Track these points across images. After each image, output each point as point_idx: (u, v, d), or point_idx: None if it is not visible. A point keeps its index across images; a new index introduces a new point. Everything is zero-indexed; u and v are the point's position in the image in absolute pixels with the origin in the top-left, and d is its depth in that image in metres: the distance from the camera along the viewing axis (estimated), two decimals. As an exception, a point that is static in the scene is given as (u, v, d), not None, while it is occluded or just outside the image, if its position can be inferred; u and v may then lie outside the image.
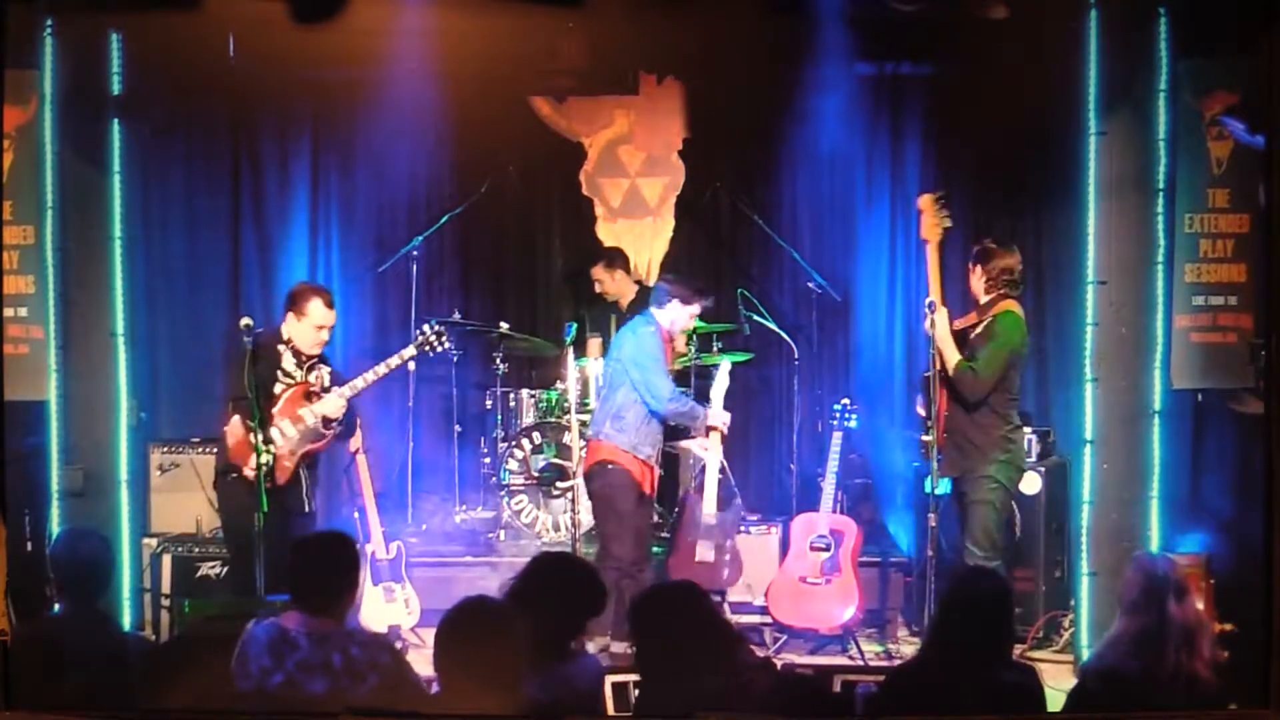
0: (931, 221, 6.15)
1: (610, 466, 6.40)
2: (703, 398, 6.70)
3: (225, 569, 6.63)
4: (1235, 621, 5.56)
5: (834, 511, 6.75)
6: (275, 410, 6.06)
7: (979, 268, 6.21)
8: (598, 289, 8.34)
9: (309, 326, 6.22)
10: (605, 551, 6.40)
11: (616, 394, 6.46)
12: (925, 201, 6.19)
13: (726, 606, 6.77)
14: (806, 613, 6.63)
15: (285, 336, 6.23)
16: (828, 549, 6.65)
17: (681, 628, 3.99)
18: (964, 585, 4.36)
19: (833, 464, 6.73)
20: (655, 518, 6.94)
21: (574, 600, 4.22)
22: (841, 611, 6.59)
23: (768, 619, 6.78)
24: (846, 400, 6.89)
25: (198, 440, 7.20)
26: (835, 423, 6.79)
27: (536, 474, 7.54)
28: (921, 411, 6.18)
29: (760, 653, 6.36)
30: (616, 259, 8.38)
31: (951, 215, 6.18)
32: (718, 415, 6.56)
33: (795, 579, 6.67)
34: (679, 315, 6.56)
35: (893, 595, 7.10)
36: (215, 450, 6.40)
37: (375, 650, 4.24)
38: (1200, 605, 5.34)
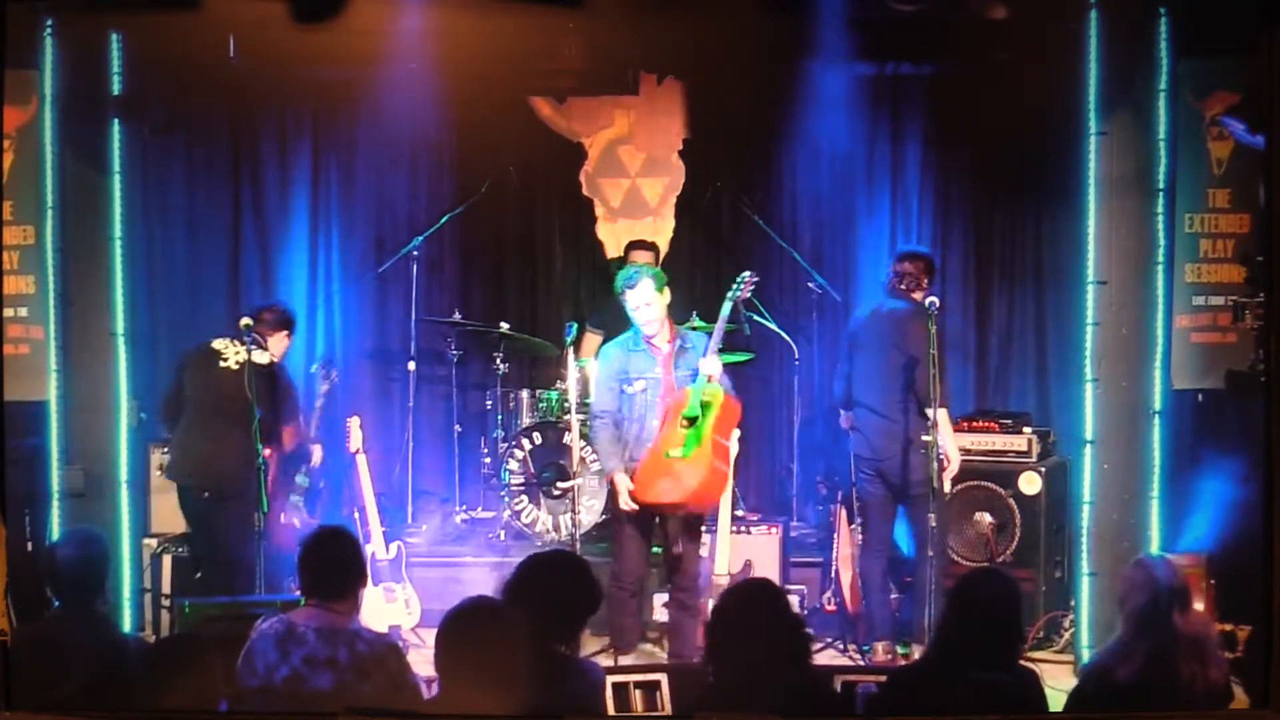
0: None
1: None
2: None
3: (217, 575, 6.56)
4: (1235, 621, 5.56)
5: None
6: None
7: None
8: None
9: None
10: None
11: None
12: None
13: None
14: (661, 488, 5.98)
15: (276, 356, 6.48)
16: (694, 424, 6.05)
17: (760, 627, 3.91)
18: (972, 586, 4.35)
19: (719, 327, 6.18)
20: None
21: (566, 598, 4.19)
22: (692, 483, 5.92)
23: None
24: (748, 273, 6.27)
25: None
26: (732, 290, 6.23)
27: (536, 474, 7.53)
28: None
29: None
30: (653, 248, 8.33)
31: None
32: (622, 481, 6.03)
33: (661, 454, 6.05)
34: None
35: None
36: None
37: (381, 649, 4.25)
38: (1200, 607, 5.35)
